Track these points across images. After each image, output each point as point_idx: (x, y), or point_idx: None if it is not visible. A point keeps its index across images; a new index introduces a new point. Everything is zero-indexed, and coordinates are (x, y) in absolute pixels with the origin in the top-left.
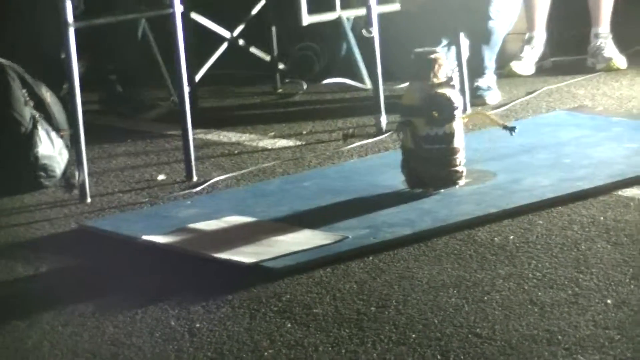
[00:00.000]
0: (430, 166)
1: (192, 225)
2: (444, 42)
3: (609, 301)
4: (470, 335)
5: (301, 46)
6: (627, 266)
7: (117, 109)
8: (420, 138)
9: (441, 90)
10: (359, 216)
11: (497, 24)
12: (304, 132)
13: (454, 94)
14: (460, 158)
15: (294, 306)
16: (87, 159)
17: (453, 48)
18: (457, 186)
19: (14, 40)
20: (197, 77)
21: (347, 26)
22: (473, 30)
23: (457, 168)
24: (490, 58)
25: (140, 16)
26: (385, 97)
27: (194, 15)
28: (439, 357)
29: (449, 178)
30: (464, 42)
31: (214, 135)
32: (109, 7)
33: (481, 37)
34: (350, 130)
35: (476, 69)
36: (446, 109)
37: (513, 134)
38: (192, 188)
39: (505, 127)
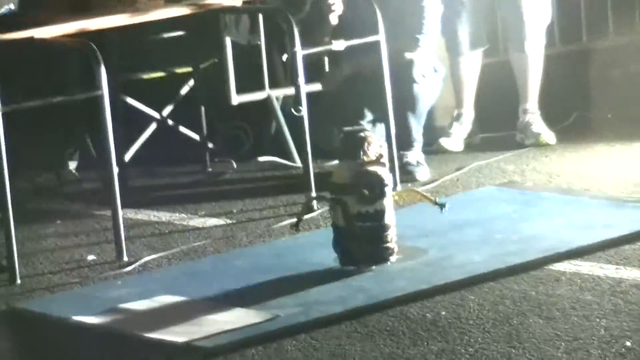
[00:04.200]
0: (362, 243)
1: (123, 306)
2: (369, 116)
3: None
4: None
5: (231, 125)
6: (559, 340)
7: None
8: (351, 216)
9: (371, 168)
10: (290, 294)
11: (422, 89)
12: (235, 211)
13: (384, 172)
14: (392, 235)
15: None
16: (17, 241)
17: (378, 124)
18: (389, 263)
19: None
20: (127, 157)
21: (277, 105)
22: (397, 97)
23: (389, 245)
24: (417, 130)
25: (69, 99)
26: (315, 175)
27: (123, 97)
28: None
29: (381, 255)
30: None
31: (144, 215)
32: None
33: (406, 103)
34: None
35: (404, 141)
36: (377, 187)
37: (444, 210)
38: (123, 268)
39: (436, 204)
